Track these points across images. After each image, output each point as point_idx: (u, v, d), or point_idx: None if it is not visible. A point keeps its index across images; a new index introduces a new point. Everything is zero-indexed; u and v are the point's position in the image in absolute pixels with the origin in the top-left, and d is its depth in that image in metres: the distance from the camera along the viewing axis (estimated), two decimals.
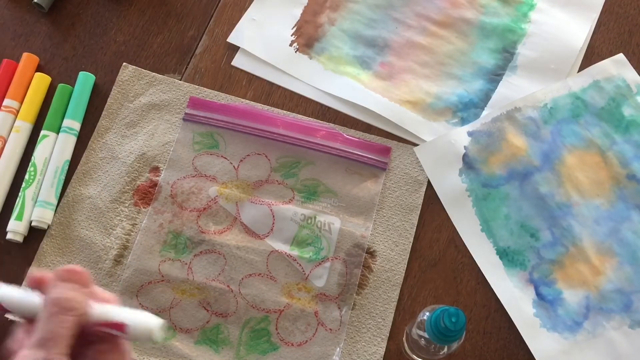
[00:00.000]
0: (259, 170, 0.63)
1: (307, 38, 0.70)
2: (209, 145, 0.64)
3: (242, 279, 0.59)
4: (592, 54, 0.69)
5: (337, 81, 0.68)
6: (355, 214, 0.62)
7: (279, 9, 0.71)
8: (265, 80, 0.68)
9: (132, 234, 0.61)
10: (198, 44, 0.70)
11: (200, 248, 0.60)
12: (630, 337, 0.58)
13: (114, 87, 0.67)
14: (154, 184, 0.63)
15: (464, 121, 0.66)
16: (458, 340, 0.50)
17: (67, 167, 0.63)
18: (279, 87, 0.68)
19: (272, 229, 0.61)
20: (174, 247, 0.60)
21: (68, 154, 0.64)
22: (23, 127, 0.64)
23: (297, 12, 0.71)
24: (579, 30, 0.69)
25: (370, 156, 0.64)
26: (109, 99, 0.66)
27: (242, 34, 0.70)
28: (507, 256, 0.61)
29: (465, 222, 0.62)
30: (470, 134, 0.65)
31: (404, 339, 0.57)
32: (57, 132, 0.64)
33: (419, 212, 0.62)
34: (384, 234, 0.61)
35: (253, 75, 0.68)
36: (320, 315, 0.58)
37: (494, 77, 0.68)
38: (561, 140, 0.65)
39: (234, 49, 0.69)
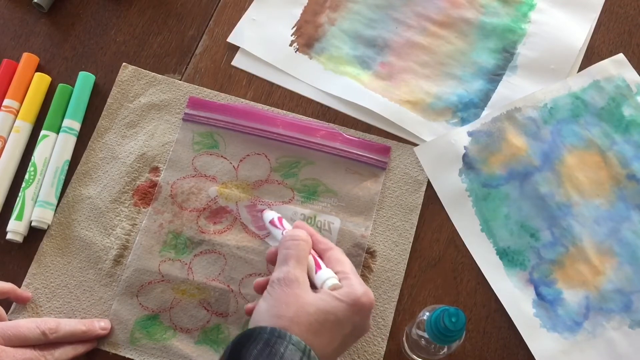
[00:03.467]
0: (258, 170, 0.63)
1: (307, 38, 0.70)
2: (209, 145, 0.64)
3: (242, 279, 0.59)
4: (592, 54, 0.69)
5: (337, 81, 0.68)
6: (355, 213, 0.62)
7: (278, 9, 0.71)
8: (265, 80, 0.68)
9: (132, 234, 0.61)
10: (198, 44, 0.70)
11: (200, 248, 0.60)
12: (630, 337, 0.58)
13: (113, 87, 0.67)
14: (154, 184, 0.63)
15: (464, 121, 0.66)
16: (458, 340, 0.50)
17: (67, 167, 0.63)
18: (279, 87, 0.68)
19: None
20: (174, 247, 0.60)
21: (68, 154, 0.64)
22: (23, 127, 0.64)
23: (297, 12, 0.71)
24: (579, 30, 0.69)
25: (370, 156, 0.64)
26: (108, 99, 0.66)
27: (242, 34, 0.70)
28: (507, 256, 0.61)
29: (465, 222, 0.62)
30: (470, 134, 0.65)
31: (404, 339, 0.57)
32: (57, 132, 0.64)
33: (419, 212, 0.62)
34: (384, 233, 0.61)
35: (253, 75, 0.68)
36: None
37: (494, 77, 0.68)
38: (561, 140, 0.65)
39: (234, 49, 0.69)
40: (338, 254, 0.53)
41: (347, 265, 0.52)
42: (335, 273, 0.51)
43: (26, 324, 0.54)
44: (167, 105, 0.66)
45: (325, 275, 0.50)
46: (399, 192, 0.63)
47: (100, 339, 0.57)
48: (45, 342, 0.54)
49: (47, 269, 0.60)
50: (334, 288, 0.49)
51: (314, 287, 0.50)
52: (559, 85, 0.67)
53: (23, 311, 0.59)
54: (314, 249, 0.53)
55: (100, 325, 0.57)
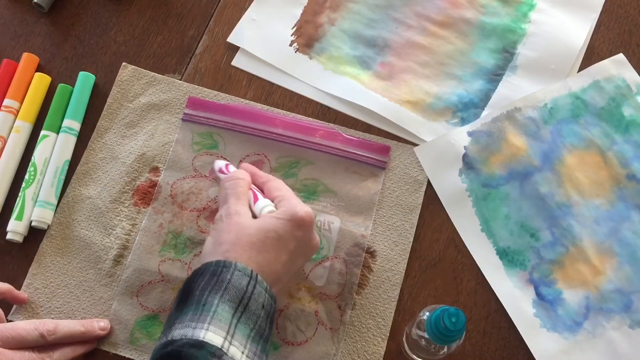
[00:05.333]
0: None
1: (307, 38, 0.70)
2: (209, 145, 0.64)
3: None
4: (592, 54, 0.69)
5: (337, 81, 0.68)
6: (355, 213, 0.62)
7: (279, 9, 0.71)
8: (265, 80, 0.68)
9: (131, 234, 0.61)
10: (198, 44, 0.70)
11: (200, 248, 0.60)
12: (630, 337, 0.58)
13: (113, 87, 0.67)
14: (154, 184, 0.63)
15: (464, 121, 0.66)
16: (458, 340, 0.50)
17: (67, 167, 0.63)
18: (279, 87, 0.68)
19: None
20: (173, 247, 0.60)
21: (68, 154, 0.64)
22: (23, 127, 0.64)
23: (297, 12, 0.71)
24: (579, 30, 0.69)
25: (369, 155, 0.64)
26: (108, 99, 0.66)
27: (242, 34, 0.70)
28: (507, 256, 0.61)
29: (465, 222, 0.62)
30: (470, 134, 0.65)
31: (404, 339, 0.57)
32: (57, 132, 0.64)
33: (419, 212, 0.62)
34: (384, 233, 0.61)
35: (253, 75, 0.68)
36: (320, 314, 0.58)
37: (494, 77, 0.68)
38: (561, 140, 0.65)
39: (234, 49, 0.69)
40: (277, 183, 0.56)
41: (285, 189, 0.55)
42: (275, 197, 0.54)
43: (24, 326, 0.53)
44: (167, 105, 0.66)
45: (263, 204, 0.53)
46: (399, 192, 0.63)
47: (101, 339, 0.57)
48: (44, 344, 0.54)
49: (47, 269, 0.60)
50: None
51: (255, 218, 0.53)
52: (559, 85, 0.67)
53: (23, 311, 0.59)
54: (254, 184, 0.56)
55: (99, 325, 0.57)
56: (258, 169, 0.58)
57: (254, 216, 0.53)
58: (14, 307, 0.59)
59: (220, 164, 0.60)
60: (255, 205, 0.54)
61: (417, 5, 0.71)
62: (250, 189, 0.55)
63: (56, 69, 0.68)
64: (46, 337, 0.53)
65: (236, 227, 0.51)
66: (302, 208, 0.52)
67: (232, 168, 0.59)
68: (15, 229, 0.60)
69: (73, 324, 0.56)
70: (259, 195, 0.55)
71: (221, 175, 0.58)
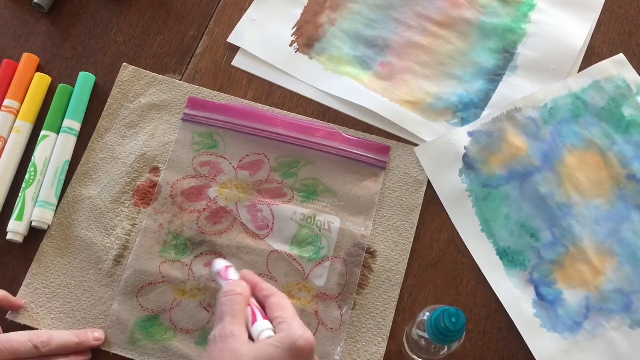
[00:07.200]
0: (258, 170, 0.63)
1: (307, 38, 0.70)
2: (209, 145, 0.64)
3: None
4: (592, 54, 0.69)
5: (337, 81, 0.68)
6: (354, 213, 0.62)
7: (278, 9, 0.71)
8: (265, 80, 0.68)
9: (132, 234, 0.61)
10: (198, 44, 0.70)
11: (201, 249, 0.60)
12: (630, 337, 0.58)
13: (113, 87, 0.67)
14: (154, 184, 0.63)
15: (464, 121, 0.66)
16: (458, 340, 0.50)
17: (67, 167, 0.63)
18: (279, 87, 0.68)
19: (271, 229, 0.61)
20: (174, 248, 0.60)
21: (68, 154, 0.64)
22: (23, 127, 0.64)
23: (297, 12, 0.71)
24: (579, 30, 0.69)
25: (369, 155, 0.64)
26: (108, 99, 0.66)
27: (242, 34, 0.70)
28: (507, 256, 0.61)
29: (465, 222, 0.62)
30: (470, 134, 0.65)
31: (404, 339, 0.57)
32: (57, 132, 0.64)
33: (419, 212, 0.62)
34: (384, 233, 0.61)
35: (253, 75, 0.68)
36: (320, 314, 0.58)
37: (494, 77, 0.68)
38: (561, 140, 0.65)
39: (234, 49, 0.69)
40: (279, 299, 0.51)
41: (287, 309, 0.50)
42: (274, 318, 0.49)
43: (18, 337, 0.53)
44: (167, 105, 0.66)
45: (261, 327, 0.49)
46: (399, 192, 0.63)
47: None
48: (38, 355, 0.53)
49: (47, 269, 0.60)
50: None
51: (252, 339, 0.49)
52: (559, 85, 0.67)
53: (24, 311, 0.59)
54: (256, 296, 0.52)
55: (93, 335, 0.56)
56: (260, 279, 0.54)
57: (250, 337, 0.49)
58: None
59: (219, 265, 0.55)
60: (253, 327, 0.49)
61: (417, 5, 0.71)
62: (250, 304, 0.51)
63: (56, 69, 0.68)
64: (40, 349, 0.53)
65: (231, 354, 0.47)
66: (302, 335, 0.47)
67: (232, 272, 0.54)
68: (15, 229, 0.60)
69: (67, 334, 0.55)
70: (258, 314, 0.50)
71: (220, 282, 0.54)
